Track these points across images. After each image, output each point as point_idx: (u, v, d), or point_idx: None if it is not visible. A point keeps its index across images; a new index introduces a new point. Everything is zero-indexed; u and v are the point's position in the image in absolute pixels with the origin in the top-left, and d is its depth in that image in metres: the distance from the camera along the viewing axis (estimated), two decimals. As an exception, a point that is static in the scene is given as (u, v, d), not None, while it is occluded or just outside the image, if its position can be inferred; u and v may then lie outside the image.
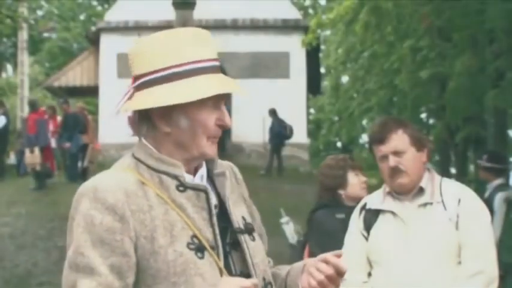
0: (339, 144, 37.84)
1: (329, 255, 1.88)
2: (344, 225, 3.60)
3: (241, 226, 1.93)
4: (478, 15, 12.45)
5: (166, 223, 1.80)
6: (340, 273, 1.85)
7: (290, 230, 8.24)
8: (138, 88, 1.90)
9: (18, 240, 11.11)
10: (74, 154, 16.07)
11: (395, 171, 3.12)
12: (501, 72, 13.40)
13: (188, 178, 1.89)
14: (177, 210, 1.82)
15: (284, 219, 8.46)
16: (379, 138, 3.16)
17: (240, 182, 2.08)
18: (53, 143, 16.56)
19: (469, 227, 3.06)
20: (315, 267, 1.88)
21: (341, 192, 4.27)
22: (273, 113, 18.02)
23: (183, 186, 1.85)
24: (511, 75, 13.49)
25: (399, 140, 3.13)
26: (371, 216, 3.23)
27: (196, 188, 1.87)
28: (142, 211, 1.79)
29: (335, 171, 4.29)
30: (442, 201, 3.12)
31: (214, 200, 1.90)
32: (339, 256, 1.87)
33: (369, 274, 3.25)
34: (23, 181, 15.80)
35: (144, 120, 1.90)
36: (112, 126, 20.05)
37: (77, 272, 1.75)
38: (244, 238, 1.92)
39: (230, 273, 1.83)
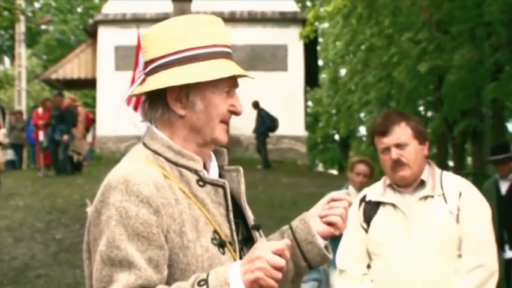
0: (336, 137, 37.84)
1: (333, 194, 1.98)
2: None
3: (253, 222, 1.97)
4: (477, 9, 12.45)
5: (192, 218, 1.80)
6: (350, 204, 1.98)
7: None
8: (151, 72, 1.89)
9: (16, 232, 11.11)
10: (66, 147, 16.08)
11: (398, 163, 3.12)
12: (500, 66, 13.41)
13: (205, 173, 1.89)
14: (199, 205, 1.82)
15: None
16: (382, 130, 3.16)
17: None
18: (41, 136, 16.51)
19: (470, 220, 3.07)
20: (327, 208, 1.97)
21: None
22: (257, 105, 17.92)
23: (202, 181, 1.85)
24: (510, 68, 13.51)
25: (402, 132, 3.13)
26: (371, 208, 3.23)
27: (215, 184, 1.86)
28: (171, 205, 1.77)
29: None
30: (443, 194, 3.11)
31: (242, 194, 1.94)
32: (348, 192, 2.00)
33: (369, 266, 3.25)
34: (21, 174, 15.79)
35: (159, 104, 1.88)
36: (109, 119, 20.07)
37: (112, 266, 1.70)
38: (256, 234, 1.94)
39: None
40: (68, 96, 18.61)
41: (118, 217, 1.72)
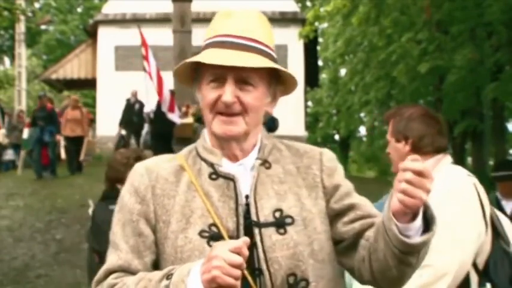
0: (336, 137, 37.86)
1: (405, 162, 1.66)
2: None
3: (265, 219, 1.84)
4: (477, 9, 12.45)
5: (188, 209, 1.83)
6: (421, 174, 1.61)
7: None
8: None
9: (16, 233, 11.11)
10: (55, 147, 16.14)
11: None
12: (500, 66, 13.41)
13: (227, 166, 1.90)
14: (203, 198, 1.84)
15: None
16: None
17: (327, 169, 1.96)
18: (25, 133, 16.49)
19: None
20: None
21: (119, 186, 4.46)
22: None
23: (216, 174, 1.88)
24: (510, 68, 13.52)
25: (388, 129, 3.22)
26: None
27: (226, 177, 1.87)
28: (168, 196, 1.86)
29: (117, 166, 4.51)
30: None
31: (246, 190, 1.87)
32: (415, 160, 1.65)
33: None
34: (22, 174, 15.78)
35: None
36: (109, 119, 20.07)
37: (111, 248, 1.88)
38: (264, 232, 1.82)
39: (247, 267, 1.73)
40: (72, 97, 18.55)
41: (120, 203, 1.92)
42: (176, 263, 1.77)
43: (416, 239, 1.68)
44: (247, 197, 1.86)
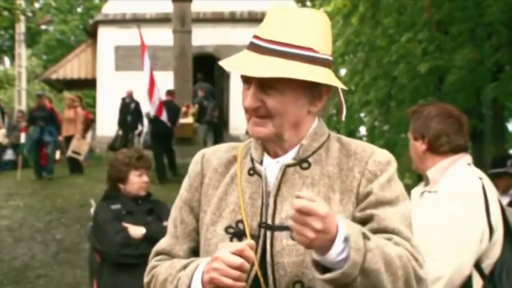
0: (336, 137, 37.85)
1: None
2: (116, 214, 4.40)
3: (281, 222, 1.76)
4: (477, 9, 12.45)
5: (224, 203, 1.84)
6: (303, 212, 1.52)
7: None
8: None
9: (16, 233, 11.11)
10: (56, 147, 16.18)
11: None
12: (500, 66, 13.41)
13: (266, 163, 1.84)
14: (240, 193, 1.83)
15: None
16: None
17: (369, 173, 1.80)
18: (23, 138, 16.51)
19: (427, 219, 2.87)
20: None
21: (121, 186, 4.53)
22: None
23: (253, 170, 1.85)
24: (510, 68, 13.52)
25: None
26: None
27: (259, 174, 1.83)
28: (213, 187, 1.88)
29: (119, 166, 4.53)
30: (436, 191, 2.99)
31: (273, 189, 1.80)
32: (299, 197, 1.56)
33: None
34: (21, 174, 15.78)
35: None
36: (109, 119, 20.07)
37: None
38: (276, 235, 1.76)
39: (260, 269, 1.73)
40: (67, 96, 18.54)
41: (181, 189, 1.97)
42: (204, 254, 1.81)
43: (327, 274, 1.56)
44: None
